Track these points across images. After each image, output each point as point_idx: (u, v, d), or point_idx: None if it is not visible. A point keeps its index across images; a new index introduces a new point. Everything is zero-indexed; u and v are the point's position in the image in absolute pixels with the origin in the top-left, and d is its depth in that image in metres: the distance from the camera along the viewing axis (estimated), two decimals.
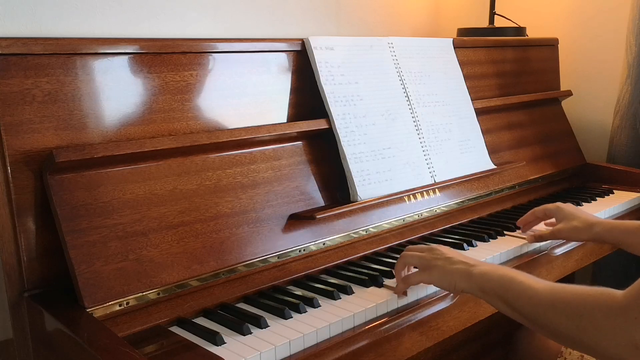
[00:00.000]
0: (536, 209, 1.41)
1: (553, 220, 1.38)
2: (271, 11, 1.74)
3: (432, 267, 1.05)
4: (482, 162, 1.62)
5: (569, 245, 1.41)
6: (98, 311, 0.94)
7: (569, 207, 1.35)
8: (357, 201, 1.30)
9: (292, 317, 1.01)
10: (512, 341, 1.38)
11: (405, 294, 1.10)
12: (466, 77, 1.66)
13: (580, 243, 1.42)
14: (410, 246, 1.16)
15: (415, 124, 1.48)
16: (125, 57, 1.08)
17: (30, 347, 1.02)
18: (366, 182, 1.33)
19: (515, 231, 1.44)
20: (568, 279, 1.79)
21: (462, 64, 1.66)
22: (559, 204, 1.37)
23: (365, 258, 1.30)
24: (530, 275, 0.94)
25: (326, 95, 1.32)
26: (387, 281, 1.15)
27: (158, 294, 1.01)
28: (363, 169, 1.33)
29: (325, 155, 1.32)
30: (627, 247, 1.24)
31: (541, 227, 1.43)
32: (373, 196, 1.32)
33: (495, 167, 1.63)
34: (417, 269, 1.10)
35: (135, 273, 0.99)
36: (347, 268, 1.23)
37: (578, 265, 1.46)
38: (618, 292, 0.79)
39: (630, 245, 1.23)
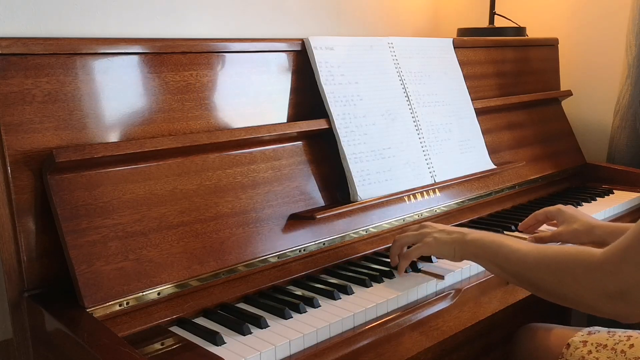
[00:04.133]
0: (537, 212, 1.41)
1: (555, 222, 1.38)
2: (271, 11, 1.74)
3: (430, 239, 1.14)
4: (482, 162, 1.62)
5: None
6: (98, 311, 0.94)
7: (570, 209, 1.36)
8: (357, 201, 1.30)
9: (292, 317, 1.01)
10: (512, 341, 1.38)
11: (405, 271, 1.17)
12: (466, 77, 1.66)
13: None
14: (400, 232, 1.23)
15: (415, 124, 1.48)
16: (125, 57, 1.08)
17: (30, 347, 1.02)
18: (366, 182, 1.33)
19: (515, 231, 1.44)
20: None
21: (462, 64, 1.66)
22: (560, 206, 1.37)
23: (365, 258, 1.30)
24: (518, 239, 1.05)
25: (326, 95, 1.32)
26: (387, 281, 1.15)
27: (158, 294, 1.01)
28: (363, 168, 1.33)
29: (325, 155, 1.32)
30: None
31: (542, 228, 1.43)
32: (373, 196, 1.32)
33: (495, 167, 1.63)
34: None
35: (135, 273, 0.98)
36: (347, 268, 1.23)
37: None
38: (597, 250, 0.89)
39: None
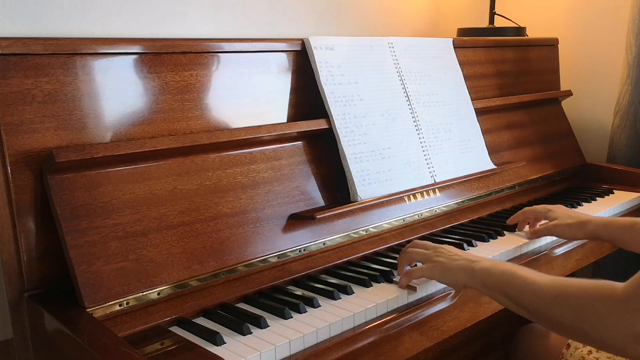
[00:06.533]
0: (526, 209, 1.41)
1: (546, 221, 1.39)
2: (271, 11, 1.74)
3: (434, 263, 1.08)
4: (482, 162, 1.62)
5: (568, 245, 1.41)
6: (98, 311, 0.94)
7: (560, 208, 1.36)
8: (357, 201, 1.30)
9: (292, 317, 1.00)
10: (512, 341, 1.38)
11: (408, 287, 1.11)
12: (466, 77, 1.66)
13: (580, 243, 1.42)
14: (416, 241, 1.18)
15: (415, 123, 1.48)
16: (125, 57, 1.08)
17: (30, 347, 1.02)
18: (366, 182, 1.33)
19: (515, 231, 1.45)
20: None
21: (462, 64, 1.66)
22: (548, 206, 1.37)
23: (365, 258, 1.30)
24: (531, 270, 0.96)
25: (326, 95, 1.32)
26: (387, 281, 1.15)
27: (158, 294, 1.01)
28: (363, 169, 1.33)
29: (325, 155, 1.32)
30: (622, 243, 1.24)
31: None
32: (373, 196, 1.32)
33: (495, 167, 1.63)
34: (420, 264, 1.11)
35: (135, 273, 0.98)
36: (347, 268, 1.23)
37: (578, 265, 1.46)
38: (619, 284, 0.81)
39: (625, 242, 1.23)
